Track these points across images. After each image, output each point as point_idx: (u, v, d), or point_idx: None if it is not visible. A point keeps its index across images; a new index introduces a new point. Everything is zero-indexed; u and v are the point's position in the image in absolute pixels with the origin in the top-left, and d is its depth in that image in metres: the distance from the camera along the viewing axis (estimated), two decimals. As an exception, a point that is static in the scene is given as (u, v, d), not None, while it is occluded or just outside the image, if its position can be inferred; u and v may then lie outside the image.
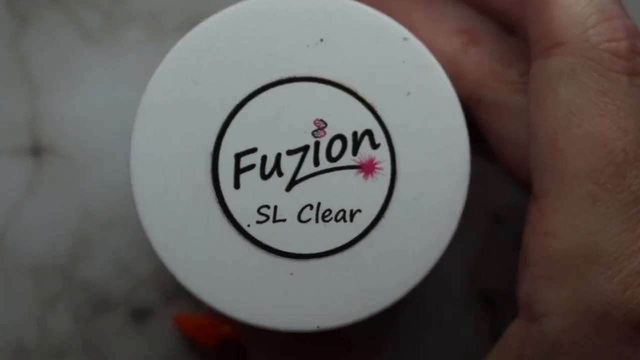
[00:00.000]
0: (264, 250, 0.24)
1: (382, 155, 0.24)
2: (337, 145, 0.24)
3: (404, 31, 0.25)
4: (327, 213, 0.24)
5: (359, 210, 0.24)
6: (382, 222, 0.24)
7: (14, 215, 0.34)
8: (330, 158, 0.24)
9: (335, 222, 0.24)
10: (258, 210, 0.24)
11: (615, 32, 0.24)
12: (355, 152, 0.24)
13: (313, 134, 0.24)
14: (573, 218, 0.24)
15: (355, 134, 0.24)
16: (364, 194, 0.24)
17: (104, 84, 0.34)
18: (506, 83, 0.27)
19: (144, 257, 0.34)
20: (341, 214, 0.24)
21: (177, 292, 0.34)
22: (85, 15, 0.35)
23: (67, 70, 0.34)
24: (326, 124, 0.24)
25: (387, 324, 0.34)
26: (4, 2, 0.35)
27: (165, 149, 0.24)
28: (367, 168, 0.24)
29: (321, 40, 0.25)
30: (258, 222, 0.24)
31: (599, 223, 0.23)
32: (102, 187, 0.34)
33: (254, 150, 0.24)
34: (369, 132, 0.24)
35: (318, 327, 0.24)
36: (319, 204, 0.24)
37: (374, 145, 0.24)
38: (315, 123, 0.24)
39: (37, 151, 0.34)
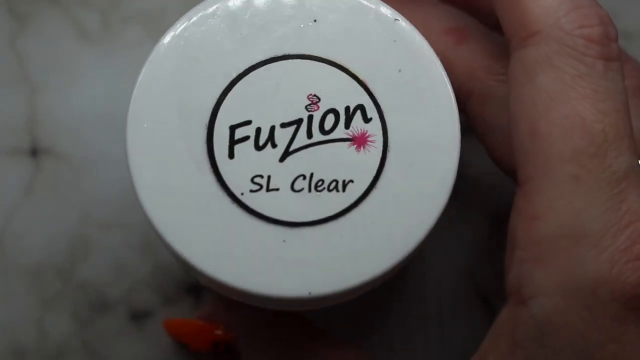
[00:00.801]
0: (256, 218, 0.24)
1: (374, 128, 0.25)
2: (330, 119, 0.25)
3: (394, 13, 0.26)
4: (319, 183, 0.24)
5: (352, 181, 0.24)
6: (374, 193, 0.24)
7: (13, 216, 0.34)
8: (323, 131, 0.25)
9: (327, 192, 0.24)
10: (252, 180, 0.24)
11: (587, 19, 0.25)
12: (347, 125, 0.25)
13: (306, 108, 0.25)
14: (557, 200, 0.24)
15: (347, 108, 0.25)
16: (356, 165, 0.25)
17: (103, 84, 0.35)
18: (495, 74, 0.28)
19: (142, 258, 0.34)
20: (334, 184, 0.24)
21: (176, 293, 0.34)
22: (83, 15, 0.35)
23: (65, 70, 0.35)
24: (319, 99, 0.25)
25: (385, 323, 0.34)
26: (3, 2, 0.35)
27: (162, 120, 0.25)
28: (360, 141, 0.25)
29: (315, 20, 0.25)
30: (251, 190, 0.24)
31: (583, 203, 0.24)
32: (100, 187, 0.34)
33: (248, 122, 0.25)
34: (361, 107, 0.25)
35: (310, 293, 0.24)
36: (311, 175, 0.25)
37: (366, 119, 0.25)
38: (308, 97, 0.25)
39: (35, 152, 0.35)
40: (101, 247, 0.34)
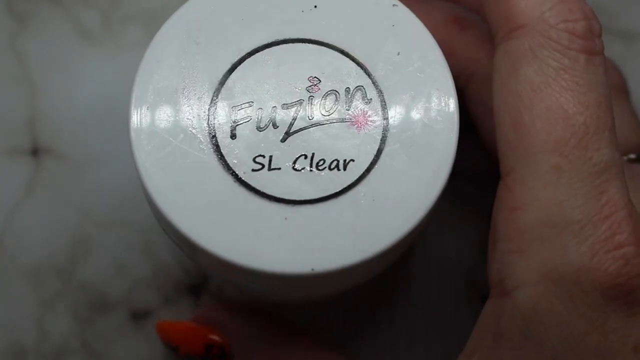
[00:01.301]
0: (259, 196, 0.24)
1: (374, 109, 0.25)
2: (331, 100, 0.25)
3: None
4: (321, 162, 0.25)
5: (352, 160, 0.25)
6: (374, 171, 0.25)
7: (13, 216, 0.34)
8: (324, 111, 0.25)
9: (329, 171, 0.25)
10: (254, 160, 0.25)
11: (571, 13, 0.25)
12: (348, 106, 0.25)
13: (307, 89, 0.25)
14: (539, 190, 0.24)
15: (347, 89, 0.25)
16: (357, 145, 0.25)
17: (103, 83, 0.35)
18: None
19: (142, 258, 0.34)
20: (335, 163, 0.25)
21: (176, 293, 0.34)
22: (84, 14, 0.36)
23: (66, 70, 0.35)
24: (320, 81, 0.25)
25: (385, 324, 0.34)
26: (3, 2, 0.36)
27: (165, 102, 0.25)
28: (360, 121, 0.25)
29: (315, 6, 0.26)
30: (254, 170, 0.25)
31: (564, 194, 0.24)
32: (101, 187, 0.34)
33: (250, 104, 0.25)
34: (361, 88, 0.25)
35: (312, 269, 0.24)
36: (312, 154, 0.25)
37: (366, 100, 0.25)
38: (309, 80, 0.25)
39: (35, 151, 0.35)
40: (101, 247, 0.34)
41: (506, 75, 0.25)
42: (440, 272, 0.35)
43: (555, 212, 0.24)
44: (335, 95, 0.25)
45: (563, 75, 0.25)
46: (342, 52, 0.26)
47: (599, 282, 0.24)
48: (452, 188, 0.34)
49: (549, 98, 0.25)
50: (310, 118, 0.25)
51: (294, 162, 0.25)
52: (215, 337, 0.31)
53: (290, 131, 0.25)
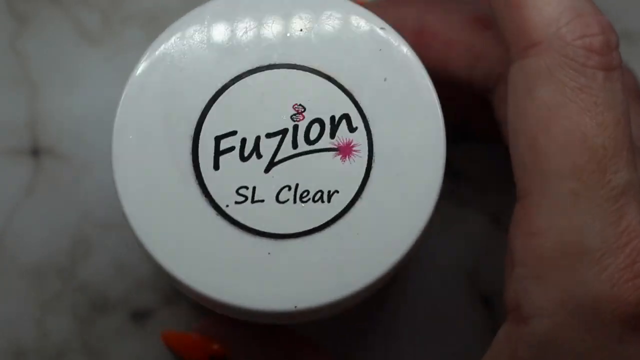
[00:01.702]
0: (241, 230, 0.24)
1: (359, 138, 0.25)
2: (315, 129, 0.25)
3: (380, 22, 0.25)
4: (304, 194, 0.24)
5: (337, 191, 0.24)
6: (359, 203, 0.24)
7: (13, 217, 0.34)
8: (308, 141, 0.25)
9: (312, 203, 0.24)
10: (237, 191, 0.24)
11: (588, 28, 0.24)
12: (333, 135, 0.25)
13: (292, 117, 0.25)
14: (557, 216, 0.24)
15: (333, 118, 0.25)
16: (341, 175, 0.24)
17: (104, 84, 0.35)
18: None
19: (142, 258, 0.34)
20: (319, 194, 0.24)
21: (176, 294, 0.34)
22: (84, 15, 0.35)
23: (66, 70, 0.35)
24: (305, 109, 0.25)
25: (386, 325, 0.34)
26: (3, 2, 0.35)
27: (148, 131, 0.25)
28: (345, 150, 0.25)
29: (300, 30, 0.25)
30: (237, 202, 0.24)
31: (582, 220, 0.24)
32: (101, 188, 0.34)
33: (233, 133, 0.25)
34: (346, 116, 0.25)
35: (295, 307, 0.24)
36: (297, 185, 0.24)
37: (352, 129, 0.25)
38: (294, 107, 0.25)
39: (36, 152, 0.35)
40: (101, 247, 0.34)
41: (522, 95, 0.25)
42: (440, 273, 0.34)
43: (573, 240, 0.24)
44: (320, 123, 0.25)
45: (580, 95, 0.24)
46: (328, 77, 0.25)
47: (619, 312, 0.23)
48: (453, 189, 0.34)
49: (565, 120, 0.24)
50: (295, 147, 0.25)
51: (278, 194, 0.24)
52: (219, 348, 0.31)
53: (274, 161, 0.25)
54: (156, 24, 0.35)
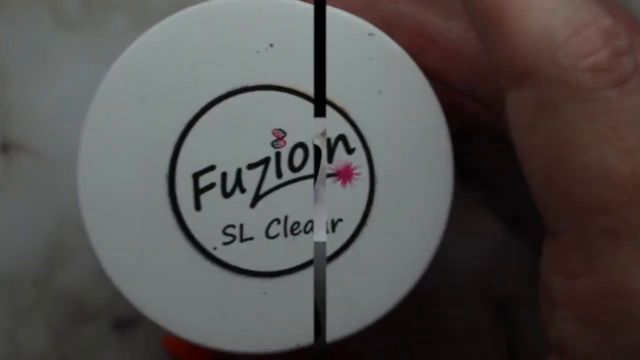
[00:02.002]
0: (233, 272, 0.23)
1: (358, 159, 0.23)
2: (299, 154, 0.23)
3: (368, 26, 0.24)
4: (295, 226, 0.23)
5: (340, 220, 0.23)
6: (363, 232, 0.24)
7: (-18, 220, 0.33)
8: (292, 168, 0.23)
9: (304, 234, 0.23)
10: (223, 231, 0.23)
11: (589, 45, 0.21)
12: (330, 159, 0.23)
13: (272, 144, 0.23)
14: (596, 257, 0.22)
15: (328, 140, 0.23)
16: (343, 201, 0.23)
17: (82, 75, 0.33)
18: None
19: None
20: (310, 225, 0.23)
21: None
22: (61, -1, 0.33)
23: (41, 59, 0.33)
24: (285, 133, 0.23)
25: (398, 332, 0.34)
26: (-27, -16, 0.33)
27: (116, 177, 0.23)
28: (345, 175, 0.24)
29: (271, 45, 0.23)
30: (224, 243, 0.23)
31: (622, 259, 0.22)
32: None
33: (212, 168, 0.23)
34: (342, 137, 0.23)
35: (298, 344, 0.23)
36: (286, 217, 0.23)
37: (349, 150, 0.23)
38: (273, 133, 0.23)
39: (6, 148, 0.33)
40: (80, 252, 0.33)
41: (526, 132, 0.22)
42: (453, 278, 0.34)
43: (615, 281, 0.22)
44: (303, 148, 0.23)
45: (594, 124, 0.21)
46: (306, 97, 0.23)
47: None
48: (464, 191, 0.33)
49: (582, 155, 0.21)
50: (279, 177, 0.23)
51: (267, 229, 0.23)
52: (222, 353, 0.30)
53: (260, 194, 0.23)
54: (142, 11, 0.33)
